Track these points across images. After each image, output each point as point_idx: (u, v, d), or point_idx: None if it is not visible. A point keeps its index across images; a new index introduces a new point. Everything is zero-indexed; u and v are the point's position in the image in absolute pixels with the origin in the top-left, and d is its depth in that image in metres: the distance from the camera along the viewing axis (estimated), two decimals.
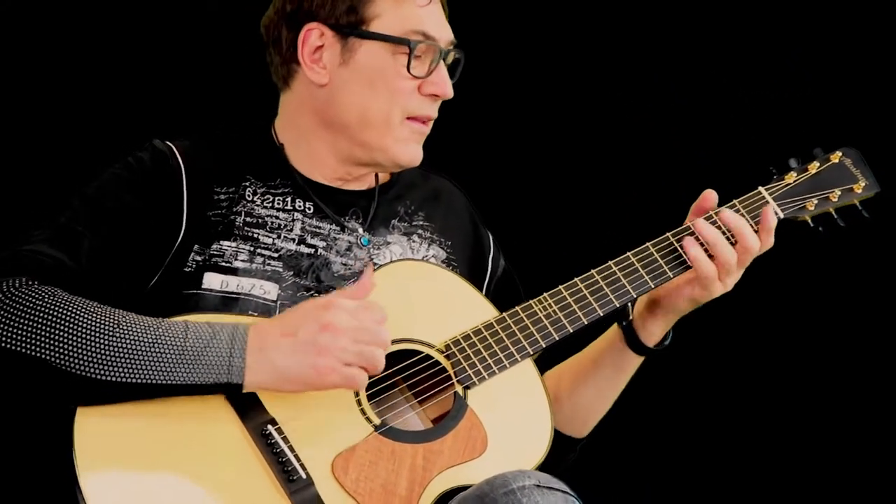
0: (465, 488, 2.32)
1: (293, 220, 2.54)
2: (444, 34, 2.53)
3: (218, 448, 2.27)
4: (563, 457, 2.67)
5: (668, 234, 2.55)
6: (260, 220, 2.52)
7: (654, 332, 2.59)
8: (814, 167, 2.63)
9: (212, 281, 2.45)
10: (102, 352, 2.25)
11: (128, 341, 2.26)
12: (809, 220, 2.62)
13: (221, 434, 2.28)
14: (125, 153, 2.53)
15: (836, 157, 2.66)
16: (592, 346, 2.66)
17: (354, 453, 2.31)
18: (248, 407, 2.31)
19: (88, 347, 2.25)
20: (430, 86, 2.51)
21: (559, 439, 2.62)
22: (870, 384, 3.52)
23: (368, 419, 2.35)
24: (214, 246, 2.47)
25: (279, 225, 2.53)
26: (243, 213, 2.51)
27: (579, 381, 2.64)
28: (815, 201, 2.61)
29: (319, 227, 2.55)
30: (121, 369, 2.25)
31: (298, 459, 2.28)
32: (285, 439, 2.29)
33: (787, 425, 3.56)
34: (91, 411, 2.26)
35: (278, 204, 2.54)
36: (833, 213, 2.63)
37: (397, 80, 2.50)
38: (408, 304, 2.48)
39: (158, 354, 2.26)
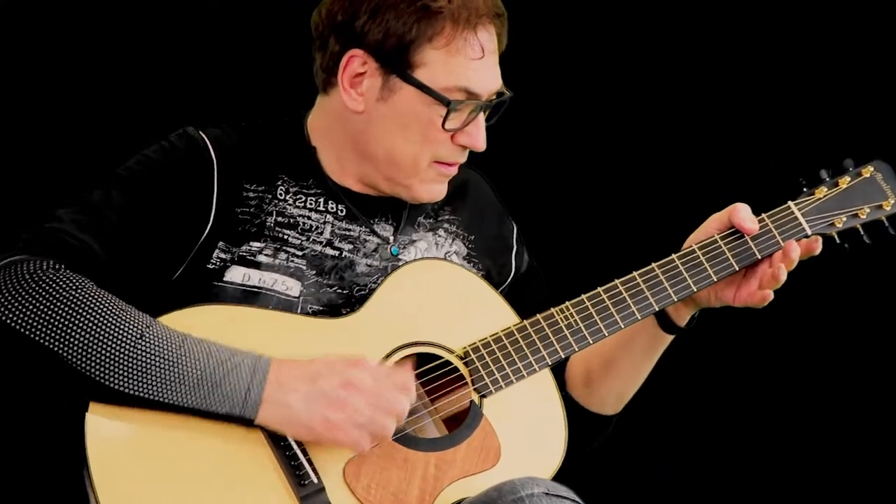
0: None
1: (324, 223, 2.50)
2: (489, 87, 2.46)
3: (230, 450, 2.26)
4: (599, 434, 2.67)
5: (693, 245, 2.52)
6: (292, 221, 2.48)
7: (684, 316, 2.58)
8: (844, 182, 2.59)
9: (234, 274, 2.42)
10: (120, 359, 2.22)
11: (149, 355, 2.24)
12: (836, 237, 2.59)
13: (235, 436, 2.27)
14: (136, 149, 2.47)
15: (867, 171, 2.61)
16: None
17: (367, 459, 2.31)
18: None
19: (107, 352, 2.22)
20: (463, 137, 2.47)
21: (595, 420, 2.64)
22: (858, 373, 3.58)
23: None
24: (244, 247, 2.44)
25: (310, 227, 2.49)
26: (275, 212, 2.47)
27: (611, 364, 2.61)
28: (844, 218, 2.58)
29: (349, 230, 2.52)
30: (135, 381, 2.23)
31: (311, 464, 2.28)
32: (299, 443, 2.29)
33: (788, 424, 3.59)
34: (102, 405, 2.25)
35: (311, 204, 2.51)
36: (860, 228, 2.60)
37: (431, 129, 2.44)
38: (428, 305, 2.46)
39: (177, 374, 2.24)
